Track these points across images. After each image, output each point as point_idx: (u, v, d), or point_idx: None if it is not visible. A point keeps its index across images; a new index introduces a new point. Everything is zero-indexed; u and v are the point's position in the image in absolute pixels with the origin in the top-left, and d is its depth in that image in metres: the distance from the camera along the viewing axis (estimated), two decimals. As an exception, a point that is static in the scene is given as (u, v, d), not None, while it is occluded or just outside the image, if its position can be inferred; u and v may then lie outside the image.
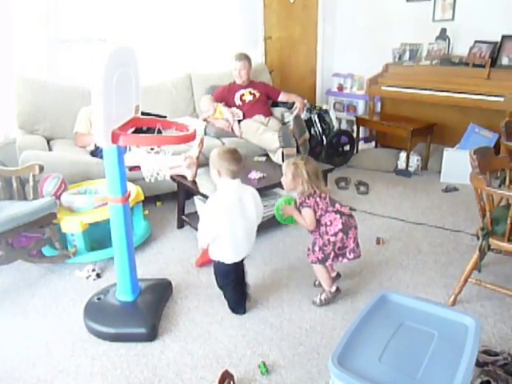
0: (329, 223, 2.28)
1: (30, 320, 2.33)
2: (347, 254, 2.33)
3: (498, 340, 2.10)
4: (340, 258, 2.34)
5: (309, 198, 2.26)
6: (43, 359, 2.05)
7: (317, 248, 2.33)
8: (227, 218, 2.12)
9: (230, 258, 2.21)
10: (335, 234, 2.28)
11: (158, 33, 4.32)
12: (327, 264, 2.38)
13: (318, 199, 2.27)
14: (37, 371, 1.98)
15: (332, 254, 2.32)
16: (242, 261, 2.30)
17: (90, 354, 2.07)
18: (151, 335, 2.15)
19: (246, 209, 2.19)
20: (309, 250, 2.38)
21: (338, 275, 2.59)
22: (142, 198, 3.09)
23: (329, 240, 2.30)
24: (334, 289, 2.41)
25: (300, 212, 2.31)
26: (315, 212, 2.27)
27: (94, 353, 2.08)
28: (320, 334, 2.18)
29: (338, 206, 2.33)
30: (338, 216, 2.28)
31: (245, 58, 4.23)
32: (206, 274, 2.68)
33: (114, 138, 1.89)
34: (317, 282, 2.53)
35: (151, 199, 3.55)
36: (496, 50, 4.20)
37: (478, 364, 1.86)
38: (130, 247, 2.21)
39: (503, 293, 2.27)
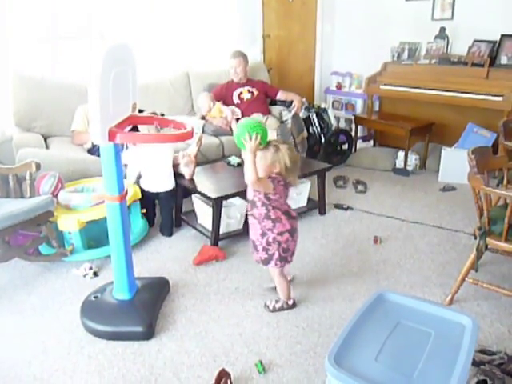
0: (278, 220, 2.11)
1: (27, 318, 2.32)
2: (288, 257, 2.21)
3: (494, 339, 2.10)
4: (283, 262, 2.19)
5: (279, 183, 2.08)
6: (39, 358, 2.05)
7: (260, 247, 2.18)
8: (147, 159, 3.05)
9: (148, 187, 3.11)
10: (281, 234, 2.13)
11: (155, 30, 4.30)
12: (270, 266, 2.21)
13: (285, 190, 2.13)
14: (33, 370, 1.98)
15: (276, 254, 2.16)
16: (166, 195, 3.13)
17: (86, 353, 2.07)
18: (148, 334, 2.14)
19: (160, 153, 3.06)
20: (252, 248, 2.25)
21: (292, 279, 2.52)
22: (139, 196, 3.08)
23: (274, 238, 2.13)
24: (291, 302, 2.35)
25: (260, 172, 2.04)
26: (275, 194, 2.08)
27: (91, 351, 2.08)
28: (317, 333, 2.18)
29: (287, 206, 2.18)
30: (285, 217, 2.13)
31: (240, 55, 4.23)
32: (204, 273, 2.68)
33: (111, 135, 1.89)
34: (271, 286, 2.45)
35: (149, 197, 3.55)
36: (495, 49, 4.20)
37: (475, 363, 1.86)
38: (127, 245, 2.20)
39: (500, 292, 2.27)
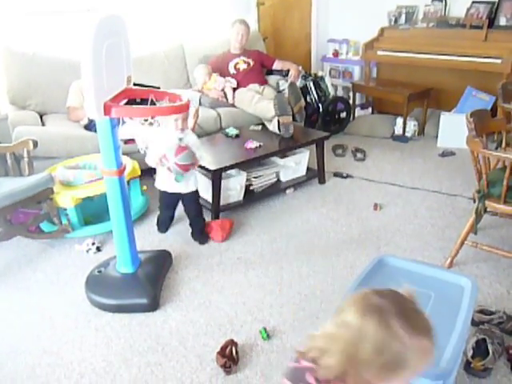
0: None
1: (33, 295, 2.35)
2: None
3: (493, 300, 2.14)
4: None
5: None
6: (48, 332, 2.09)
7: None
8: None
9: (160, 186, 2.68)
10: None
11: (148, 2, 4.21)
12: None
13: None
14: (42, 343, 2.02)
15: None
16: (178, 199, 2.73)
17: (93, 326, 2.11)
18: (153, 305, 2.18)
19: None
20: None
21: None
22: (139, 173, 3.05)
23: None
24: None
25: None
26: None
27: (98, 324, 2.12)
28: (319, 299, 2.21)
29: None
30: None
31: (246, 23, 4.23)
32: (206, 244, 2.71)
33: (106, 109, 1.87)
34: None
35: (149, 172, 3.53)
36: (494, 9, 4.12)
37: (474, 323, 1.90)
38: (128, 219, 2.21)
39: (499, 254, 2.30)
